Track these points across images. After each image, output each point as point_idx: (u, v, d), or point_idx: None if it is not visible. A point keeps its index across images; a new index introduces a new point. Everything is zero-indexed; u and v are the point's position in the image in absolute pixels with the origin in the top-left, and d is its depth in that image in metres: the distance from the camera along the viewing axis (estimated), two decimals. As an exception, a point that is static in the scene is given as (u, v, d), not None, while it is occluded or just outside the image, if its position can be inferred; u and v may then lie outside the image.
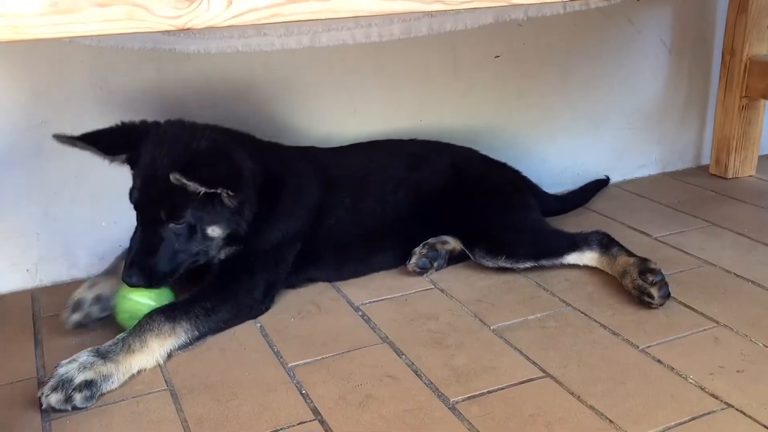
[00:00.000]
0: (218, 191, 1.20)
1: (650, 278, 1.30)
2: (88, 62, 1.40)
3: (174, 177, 1.16)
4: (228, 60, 1.48)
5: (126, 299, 1.23)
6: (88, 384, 1.07)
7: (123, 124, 1.27)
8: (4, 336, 1.28)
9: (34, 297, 1.43)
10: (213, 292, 1.27)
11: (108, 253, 1.43)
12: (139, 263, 1.21)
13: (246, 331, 1.27)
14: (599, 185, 1.87)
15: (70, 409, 1.05)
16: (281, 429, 1.00)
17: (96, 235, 1.48)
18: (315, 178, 1.43)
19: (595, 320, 1.26)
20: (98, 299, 1.26)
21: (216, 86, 1.49)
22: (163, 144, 1.23)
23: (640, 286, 1.30)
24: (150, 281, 1.21)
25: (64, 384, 1.06)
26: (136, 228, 1.25)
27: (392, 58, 1.65)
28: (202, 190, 1.18)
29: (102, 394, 1.09)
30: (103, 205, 1.48)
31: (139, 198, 1.23)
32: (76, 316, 1.25)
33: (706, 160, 2.04)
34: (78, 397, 1.06)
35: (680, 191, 1.87)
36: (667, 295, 1.30)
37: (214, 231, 1.26)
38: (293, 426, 1.01)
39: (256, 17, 0.75)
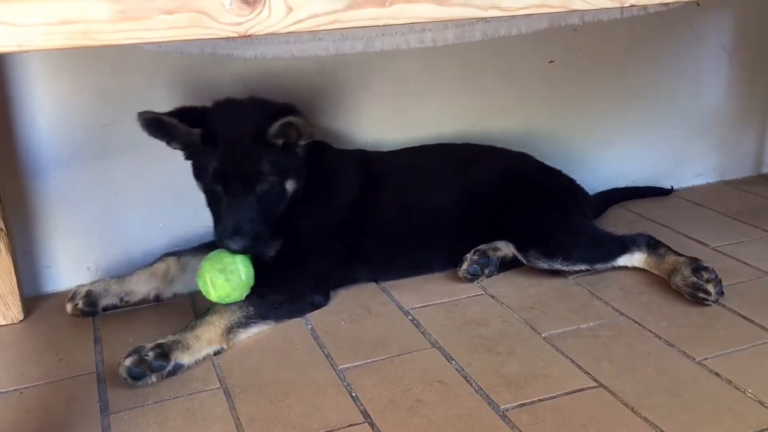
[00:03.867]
0: (300, 131, 1.29)
1: (705, 275, 1.31)
2: (149, 66, 1.44)
3: (275, 125, 1.25)
4: (284, 64, 1.51)
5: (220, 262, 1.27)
6: (159, 345, 1.16)
7: (185, 107, 1.32)
8: (65, 331, 1.33)
9: (93, 294, 1.47)
10: (266, 283, 1.32)
11: (163, 252, 1.46)
12: (240, 229, 1.27)
13: (297, 332, 1.29)
14: (639, 191, 1.86)
15: (146, 371, 1.13)
16: (332, 430, 1.01)
17: (153, 235, 1.52)
18: (361, 174, 1.47)
19: (649, 330, 1.24)
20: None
21: (273, 89, 1.51)
22: (241, 113, 1.32)
23: (695, 283, 1.30)
24: (252, 244, 1.28)
25: (137, 350, 1.15)
26: (217, 204, 1.31)
27: (446, 62, 1.65)
28: (283, 138, 1.28)
29: (173, 365, 1.15)
30: (161, 206, 1.52)
31: (224, 168, 1.28)
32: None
33: (766, 169, 1.98)
34: (151, 355, 1.14)
35: (739, 200, 1.83)
36: (722, 293, 1.30)
37: (290, 185, 1.34)
38: (343, 428, 1.02)
39: (316, 23, 0.76)
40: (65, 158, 1.43)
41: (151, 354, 1.14)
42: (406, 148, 1.60)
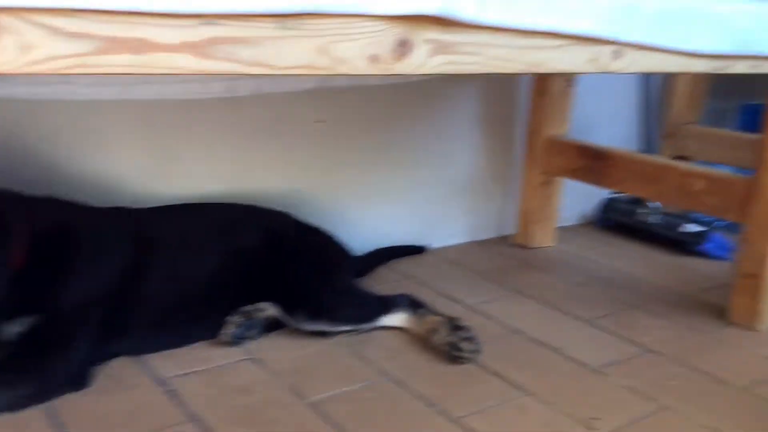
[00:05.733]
0: None
1: (462, 334, 1.37)
2: None
3: None
4: (36, 107, 1.35)
5: None
6: None
7: None
8: None
9: None
10: (15, 364, 1.13)
11: None
12: None
13: (30, 409, 1.12)
14: (398, 250, 1.92)
15: None
16: None
17: None
18: (117, 238, 1.32)
19: (412, 391, 1.26)
20: None
21: (22, 134, 1.35)
22: None
23: (452, 342, 1.36)
24: None
25: None
26: None
27: (213, 116, 1.59)
28: None
29: None
30: None
31: None
32: None
33: (509, 231, 2.16)
34: None
35: (489, 260, 1.96)
36: (477, 351, 1.36)
37: None
38: None
39: (56, 66, 0.67)
40: None
41: None
42: (167, 206, 1.50)
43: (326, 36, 0.87)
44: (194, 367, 1.29)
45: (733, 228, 1.90)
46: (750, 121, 2.53)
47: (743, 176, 1.59)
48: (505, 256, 2.00)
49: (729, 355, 1.44)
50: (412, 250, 1.97)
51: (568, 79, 1.95)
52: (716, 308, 1.65)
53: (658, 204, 2.12)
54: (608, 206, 2.27)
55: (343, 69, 0.89)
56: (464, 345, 1.36)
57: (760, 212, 1.51)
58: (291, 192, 1.74)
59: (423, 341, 1.43)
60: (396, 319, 1.49)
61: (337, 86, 1.68)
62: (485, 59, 1.03)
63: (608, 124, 2.30)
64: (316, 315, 1.42)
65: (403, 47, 0.94)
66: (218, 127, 1.62)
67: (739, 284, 1.56)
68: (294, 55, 0.85)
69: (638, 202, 2.17)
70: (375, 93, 1.79)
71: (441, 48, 0.97)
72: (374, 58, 0.92)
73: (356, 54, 0.90)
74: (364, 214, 1.89)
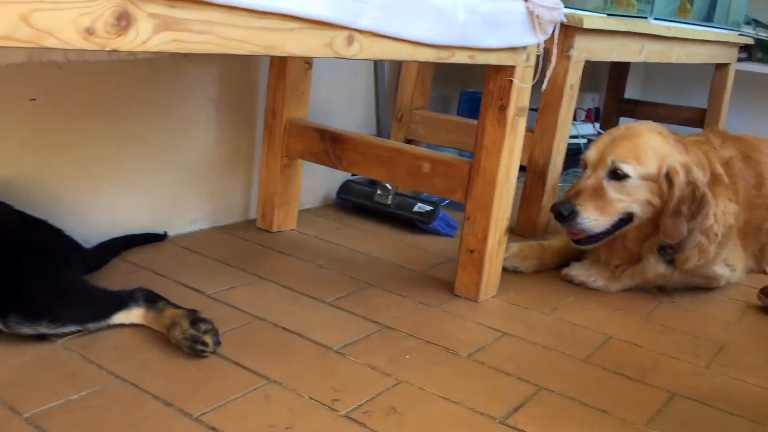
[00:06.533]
0: None
1: (203, 327, 1.31)
2: None
3: None
4: None
5: None
6: None
7: None
8: None
9: None
10: None
11: None
12: None
13: None
14: (134, 239, 1.81)
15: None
16: None
17: None
18: None
19: (147, 392, 1.17)
20: None
21: None
22: None
23: (193, 335, 1.30)
24: None
25: None
26: None
27: None
28: None
29: None
30: None
31: None
32: None
33: (254, 215, 2.13)
34: None
35: (231, 246, 1.91)
36: (219, 343, 1.32)
37: None
38: None
39: None
40: None
41: None
42: None
43: (28, 2, 0.76)
44: None
45: (458, 206, 2.06)
46: (469, 107, 2.77)
47: (465, 159, 1.72)
48: (247, 241, 1.96)
49: (455, 326, 1.56)
50: (150, 239, 1.86)
51: (307, 62, 1.95)
52: (445, 283, 1.78)
53: (391, 186, 2.22)
54: (347, 188, 2.33)
55: (50, 42, 0.78)
56: (206, 338, 1.30)
57: (480, 193, 1.64)
58: (9, 180, 1.54)
59: (162, 337, 1.35)
60: (131, 315, 1.39)
61: (53, 60, 1.51)
62: (217, 39, 0.98)
63: (346, 109, 2.37)
64: (34, 317, 1.26)
65: (123, 21, 0.85)
66: None
67: (463, 259, 1.70)
68: (-14, 22, 0.72)
69: (375, 184, 2.26)
70: (101, 69, 1.64)
71: (167, 24, 0.90)
72: (89, 32, 0.82)
73: (66, 26, 0.79)
74: (94, 201, 1.73)
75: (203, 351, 1.30)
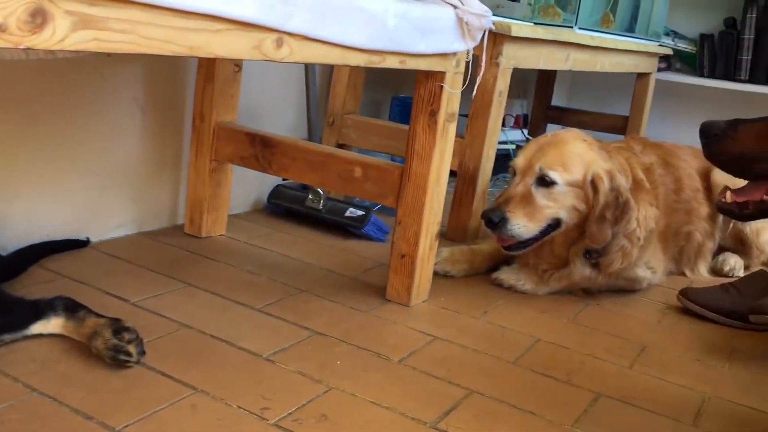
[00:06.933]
0: None
1: (126, 336, 1.27)
2: None
3: None
4: None
5: None
6: None
7: None
8: None
9: None
10: None
11: None
12: None
13: None
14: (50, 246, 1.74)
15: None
16: None
17: None
18: None
19: (66, 405, 1.13)
20: None
21: None
22: None
23: (116, 345, 1.25)
24: None
25: None
26: None
27: None
28: None
29: None
30: None
31: None
32: None
33: (181, 220, 2.08)
34: None
35: (157, 252, 1.86)
36: (143, 352, 1.28)
37: None
38: None
39: None
40: None
41: None
42: None
43: (-68, -4, 0.72)
44: None
45: (390, 211, 2.06)
46: (401, 112, 2.78)
47: (397, 164, 1.72)
48: (175, 247, 1.91)
49: (387, 331, 1.55)
50: (71, 245, 1.79)
51: (236, 64, 1.92)
52: (376, 288, 1.78)
53: (323, 190, 2.21)
54: (278, 193, 2.30)
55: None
56: (129, 347, 1.26)
57: (411, 197, 1.65)
58: None
59: (83, 348, 1.30)
60: (50, 325, 1.33)
61: (-35, 58, 1.44)
62: (140, 38, 0.95)
63: (277, 112, 2.34)
64: (-59, 329, 1.20)
65: (38, 18, 0.82)
66: None
67: (395, 264, 1.70)
68: None
69: (307, 188, 2.24)
70: (17, 70, 1.57)
71: (86, 22, 0.87)
72: (1, 29, 0.78)
73: (-25, 22, 0.75)
74: (10, 205, 1.66)
75: (127, 361, 1.26)
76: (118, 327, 1.29)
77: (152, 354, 1.30)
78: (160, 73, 1.95)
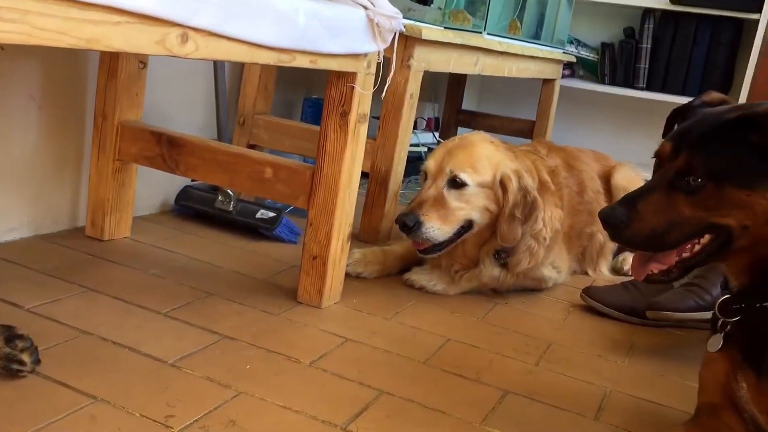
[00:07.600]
0: None
1: (19, 344, 1.20)
2: None
3: None
4: None
5: None
6: None
7: None
8: None
9: None
10: None
11: None
12: None
13: None
14: None
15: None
16: None
17: None
18: None
19: (-49, 419, 1.05)
20: None
21: None
22: None
23: (8, 354, 1.19)
24: None
25: None
26: None
27: None
28: None
29: None
30: None
31: None
32: None
33: (83, 222, 1.99)
34: None
35: (56, 255, 1.77)
36: (38, 361, 1.22)
37: None
38: None
39: None
40: None
41: None
42: None
43: None
44: None
45: (302, 213, 2.04)
46: (313, 113, 2.77)
47: (308, 165, 1.70)
48: (75, 250, 1.82)
49: (298, 334, 1.53)
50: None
51: (141, 60, 1.86)
52: (288, 290, 1.75)
53: (233, 192, 2.16)
54: (186, 194, 2.24)
55: None
56: (23, 356, 1.19)
57: (322, 199, 1.63)
58: None
59: (-31, 357, 1.22)
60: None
61: None
62: (32, 29, 0.90)
63: (184, 111, 2.28)
64: None
65: None
66: None
67: (306, 266, 1.68)
68: None
69: (217, 189, 2.19)
70: None
71: (-29, 9, 0.82)
72: None
73: None
74: None
75: (20, 371, 1.19)
76: (10, 335, 1.22)
77: (48, 363, 1.23)
78: (60, 68, 1.86)
